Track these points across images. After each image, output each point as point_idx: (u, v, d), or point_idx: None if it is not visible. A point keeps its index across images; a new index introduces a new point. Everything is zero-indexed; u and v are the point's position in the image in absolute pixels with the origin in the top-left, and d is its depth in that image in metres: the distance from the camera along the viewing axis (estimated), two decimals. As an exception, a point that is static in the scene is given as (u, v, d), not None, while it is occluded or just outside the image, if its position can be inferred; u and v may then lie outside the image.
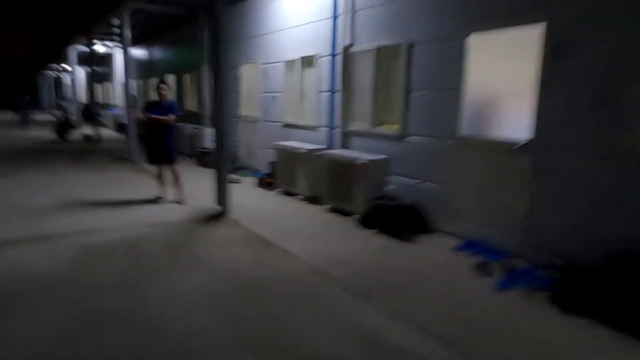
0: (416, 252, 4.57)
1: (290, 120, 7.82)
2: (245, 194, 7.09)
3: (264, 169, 8.56)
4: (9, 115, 26.75)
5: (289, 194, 6.99)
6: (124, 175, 8.67)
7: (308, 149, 6.52)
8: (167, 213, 5.91)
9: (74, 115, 19.24)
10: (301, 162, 6.59)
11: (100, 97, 23.51)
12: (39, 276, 3.84)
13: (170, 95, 6.63)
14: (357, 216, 5.57)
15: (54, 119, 25.21)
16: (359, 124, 6.25)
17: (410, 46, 5.33)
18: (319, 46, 6.91)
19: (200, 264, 4.16)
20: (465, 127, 4.78)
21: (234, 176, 8.35)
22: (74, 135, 15.14)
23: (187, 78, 12.58)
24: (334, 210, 6.01)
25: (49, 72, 34.90)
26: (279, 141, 7.38)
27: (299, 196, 6.74)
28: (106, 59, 21.30)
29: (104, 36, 15.84)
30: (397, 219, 5.06)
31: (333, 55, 6.59)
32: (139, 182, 8.03)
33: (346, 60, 6.30)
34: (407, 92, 5.43)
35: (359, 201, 5.53)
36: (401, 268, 4.14)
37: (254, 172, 8.74)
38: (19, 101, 21.90)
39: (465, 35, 4.65)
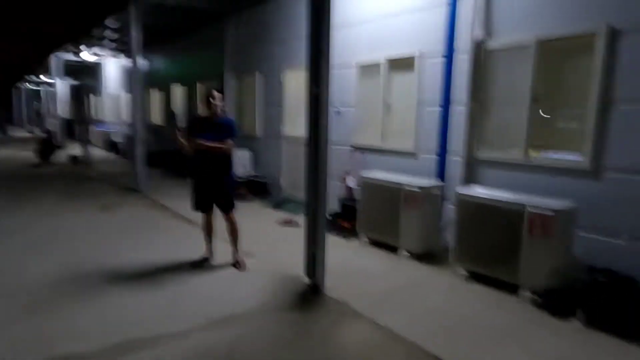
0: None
1: (367, 142, 5.90)
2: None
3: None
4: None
5: (380, 244, 5.02)
6: (140, 215, 6.56)
7: (421, 186, 4.59)
8: (232, 291, 3.86)
9: (59, 133, 16.85)
10: (408, 204, 4.64)
11: (86, 112, 21.12)
12: None
13: (225, 109, 4.59)
14: (528, 294, 3.64)
15: (32, 136, 22.68)
16: (501, 150, 4.37)
17: (613, 35, 3.50)
18: (422, 43, 5.04)
19: None
20: None
21: (286, 216, 6.35)
22: (59, 157, 12.82)
23: (201, 88, 10.55)
24: (475, 278, 4.07)
25: (27, 84, 32.18)
26: (362, 172, 5.42)
27: (402, 252, 4.77)
28: (93, 70, 19.02)
29: (95, 42, 13.70)
30: (620, 304, 3.16)
31: (448, 55, 4.72)
32: (163, 226, 5.94)
33: (478, 61, 4.43)
34: (606, 104, 3.59)
35: (534, 270, 3.61)
36: None
37: (307, 208, 6.73)
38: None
39: None
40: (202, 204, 4.39)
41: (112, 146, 15.83)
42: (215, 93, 4.29)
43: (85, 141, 13.48)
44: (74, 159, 12.64)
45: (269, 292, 3.82)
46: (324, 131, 3.65)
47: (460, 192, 4.22)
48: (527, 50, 4.04)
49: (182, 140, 4.22)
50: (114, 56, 16.25)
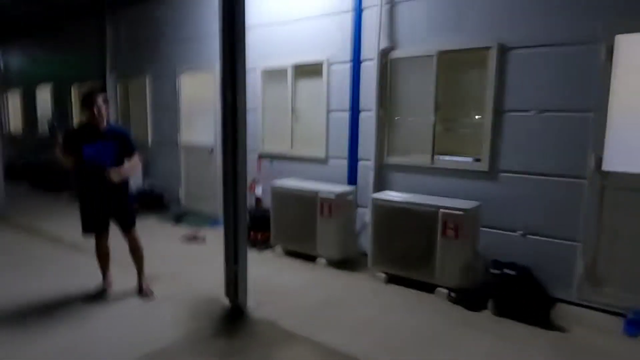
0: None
1: (275, 149, 5.73)
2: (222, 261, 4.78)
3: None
4: None
5: (296, 254, 4.91)
6: (9, 244, 5.43)
7: (336, 193, 4.58)
8: (144, 326, 3.36)
9: None
10: (324, 212, 4.60)
11: None
12: None
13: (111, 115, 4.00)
14: (444, 291, 3.86)
15: None
16: (409, 156, 4.57)
17: (504, 50, 3.89)
18: (329, 49, 5.06)
19: None
20: (612, 160, 3.49)
21: (189, 231, 5.88)
22: None
23: (78, 90, 9.26)
24: (393, 280, 4.18)
25: None
26: (272, 180, 5.23)
27: (320, 260, 4.71)
28: None
29: None
30: (524, 294, 3.51)
31: (355, 61, 4.81)
32: (43, 256, 5.01)
33: (384, 69, 4.58)
34: (499, 112, 3.97)
35: (448, 268, 3.83)
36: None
37: (212, 221, 6.32)
38: None
39: (608, 37, 3.40)
40: (95, 225, 3.74)
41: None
42: (99, 96, 3.59)
43: None
44: None
45: (187, 320, 3.43)
46: (242, 140, 3.38)
47: (375, 197, 4.31)
48: (429, 60, 4.29)
49: (61, 155, 3.52)
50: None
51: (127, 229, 3.82)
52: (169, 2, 6.90)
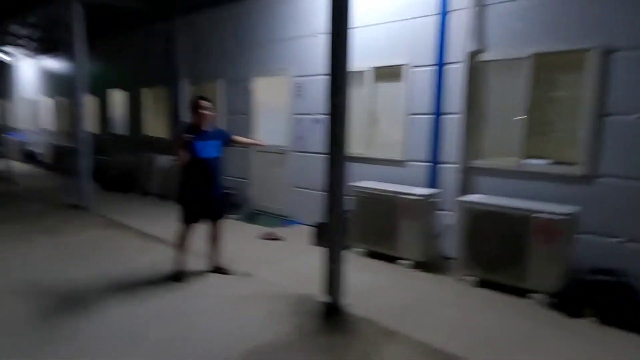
0: None
1: (351, 151, 5.80)
2: (307, 259, 4.92)
3: (299, 216, 6.42)
4: None
5: (376, 255, 4.96)
6: (100, 237, 5.81)
7: (420, 195, 4.60)
8: (242, 318, 3.53)
9: None
10: (407, 214, 4.64)
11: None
12: None
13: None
14: (539, 296, 3.79)
15: None
16: (497, 158, 4.53)
17: (607, 51, 3.79)
18: (410, 52, 5.09)
19: None
20: None
21: (265, 230, 6.06)
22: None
23: (148, 95, 9.77)
24: (483, 284, 4.15)
25: None
26: (351, 181, 5.32)
27: (401, 262, 4.74)
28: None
29: (9, 40, 12.12)
30: (626, 301, 3.40)
31: (439, 64, 4.82)
32: (120, 245, 5.35)
33: (473, 72, 4.57)
34: (599, 115, 3.87)
35: (543, 273, 3.77)
36: None
37: (284, 220, 6.50)
38: None
39: None
40: (196, 215, 4.21)
41: (28, 157, 14.09)
42: (206, 102, 4.15)
43: (3, 152, 11.81)
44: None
45: (286, 316, 3.56)
46: (342, 143, 3.49)
47: (463, 199, 4.30)
48: (521, 62, 4.24)
49: (180, 152, 3.99)
50: (30, 56, 14.52)
51: (217, 219, 4.31)
52: (242, 7, 7.16)
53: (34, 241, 5.48)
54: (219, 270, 4.42)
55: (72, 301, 3.75)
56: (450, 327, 3.41)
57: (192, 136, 4.02)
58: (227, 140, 4.35)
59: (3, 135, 14.55)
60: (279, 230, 6.02)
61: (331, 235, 3.60)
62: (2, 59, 14.29)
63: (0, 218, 6.72)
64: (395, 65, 5.21)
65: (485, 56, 4.49)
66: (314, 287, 3.84)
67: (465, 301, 3.91)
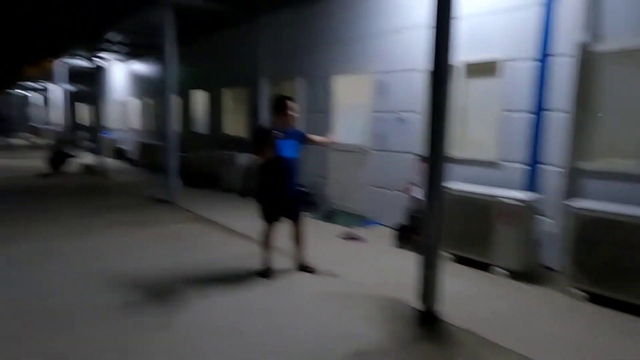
0: None
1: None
2: (390, 261, 4.75)
3: (378, 216, 6.27)
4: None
5: (466, 261, 4.67)
6: (183, 229, 6.10)
7: (518, 199, 4.26)
8: (339, 320, 3.46)
9: (72, 141, 16.05)
10: (504, 218, 4.32)
11: (87, 119, 20.44)
12: None
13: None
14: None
15: (28, 143, 21.89)
16: (614, 161, 4.07)
17: None
18: (507, 47, 4.75)
19: None
20: None
21: (345, 229, 5.98)
22: (70, 166, 12.18)
23: (228, 95, 10.14)
24: (595, 300, 3.73)
25: (18, 90, 31.29)
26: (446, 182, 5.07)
27: (496, 270, 4.42)
28: (96, 75, 18.38)
29: (104, 46, 13.17)
30: None
31: (542, 58, 4.44)
32: (207, 239, 5.55)
33: (584, 65, 4.14)
34: None
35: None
36: None
37: (363, 220, 6.39)
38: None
39: None
40: (275, 214, 4.24)
41: (119, 154, 15.28)
42: (292, 102, 4.21)
43: (97, 149, 12.89)
44: (87, 169, 12.07)
45: (381, 321, 3.43)
46: (442, 142, 3.29)
47: (571, 205, 3.91)
48: (645, 53, 3.76)
49: (265, 150, 4.03)
50: (121, 60, 15.72)
51: (297, 218, 4.33)
52: (324, 5, 7.15)
53: (128, 232, 5.86)
54: (304, 268, 4.42)
55: (164, 291, 3.92)
56: (561, 346, 3.09)
57: (282, 134, 4.07)
58: (302, 139, 4.35)
59: (98, 134, 15.93)
60: (358, 231, 5.92)
61: (428, 240, 3.42)
62: (98, 65, 15.61)
63: (97, 209, 7.28)
64: (489, 60, 4.89)
65: (601, 47, 4.04)
66: (402, 291, 3.74)
67: (574, 317, 3.54)
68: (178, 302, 3.71)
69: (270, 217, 4.25)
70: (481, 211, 4.47)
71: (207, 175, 9.25)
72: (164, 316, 3.45)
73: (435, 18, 3.17)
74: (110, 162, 14.00)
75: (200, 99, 11.43)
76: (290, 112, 4.16)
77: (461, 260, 4.72)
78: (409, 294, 3.59)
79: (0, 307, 3.58)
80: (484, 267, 4.52)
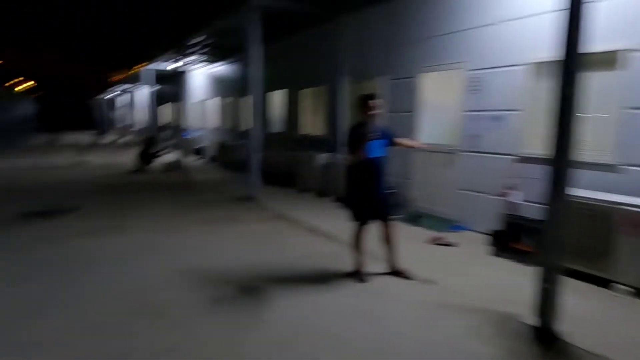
0: None
1: (539, 152, 5.11)
2: (487, 270, 4.42)
3: (468, 221, 5.91)
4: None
5: (577, 274, 4.21)
6: (267, 227, 6.16)
7: (651, 208, 3.76)
8: (445, 331, 3.25)
9: (161, 139, 17.13)
10: (630, 230, 3.82)
11: (170, 119, 21.76)
12: None
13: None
14: None
15: (117, 143, 23.74)
16: None
17: None
18: (628, 35, 4.22)
19: None
20: None
21: (432, 233, 5.71)
22: (155, 164, 12.96)
23: (306, 95, 10.20)
24: None
25: (106, 94, 34.17)
26: (529, 185, 4.64)
27: (618, 287, 3.93)
28: (177, 77, 19.47)
29: (187, 50, 13.86)
30: None
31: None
32: (292, 238, 5.56)
33: None
34: None
35: None
36: None
37: (452, 224, 6.05)
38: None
39: None
40: (366, 215, 4.14)
41: (197, 152, 16.02)
42: (376, 100, 4.08)
43: (179, 148, 13.62)
44: (169, 166, 12.76)
45: (489, 335, 3.17)
46: (569, 143, 2.95)
47: None
48: None
49: (357, 151, 3.98)
50: (203, 62, 16.47)
51: (386, 220, 4.20)
52: (408, 2, 6.90)
53: (217, 229, 6.03)
54: (397, 273, 4.25)
55: (251, 288, 3.95)
56: None
57: (377, 134, 3.94)
58: (391, 141, 4.22)
59: (179, 133, 16.85)
60: (447, 235, 5.61)
61: (548, 251, 3.09)
62: (181, 68, 16.51)
63: (184, 206, 7.60)
64: (608, 51, 4.37)
65: None
66: (509, 303, 3.54)
67: None
68: (267, 299, 3.70)
69: (362, 218, 4.15)
70: (600, 220, 4.01)
71: (285, 174, 9.35)
72: (255, 314, 3.46)
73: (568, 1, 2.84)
74: (191, 160, 14.74)
75: (277, 99, 11.62)
76: (374, 110, 4.05)
77: (574, 274, 4.26)
78: (518, 308, 3.32)
79: (109, 299, 3.77)
80: (601, 282, 4.04)
